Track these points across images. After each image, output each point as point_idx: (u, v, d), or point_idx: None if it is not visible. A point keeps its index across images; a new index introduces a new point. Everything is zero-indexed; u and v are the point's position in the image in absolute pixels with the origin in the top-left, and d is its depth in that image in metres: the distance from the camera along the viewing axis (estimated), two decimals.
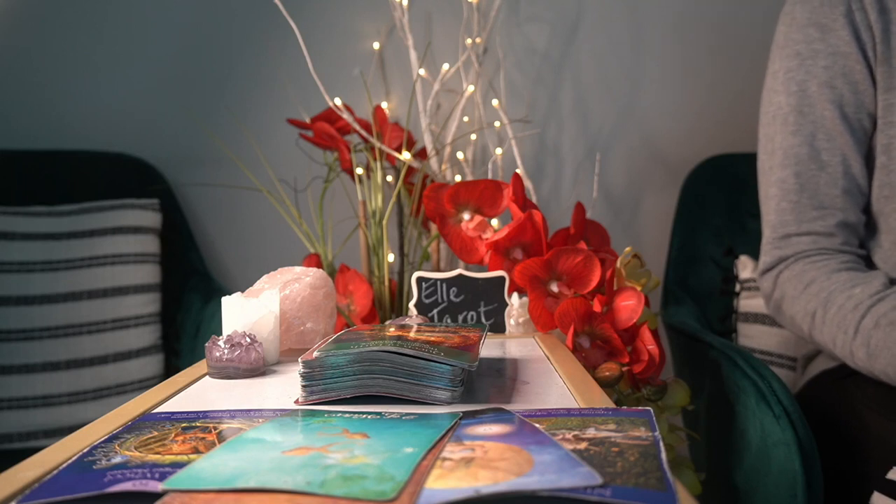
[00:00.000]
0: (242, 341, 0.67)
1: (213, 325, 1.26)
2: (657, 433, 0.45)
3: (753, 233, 1.37)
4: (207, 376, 0.68)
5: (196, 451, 0.43)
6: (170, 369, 1.36)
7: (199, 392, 0.63)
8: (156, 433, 0.47)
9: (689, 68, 1.50)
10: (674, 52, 1.50)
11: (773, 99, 0.96)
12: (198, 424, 0.49)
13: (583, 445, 0.42)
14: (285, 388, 0.63)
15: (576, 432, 0.45)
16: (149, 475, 0.39)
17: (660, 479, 0.37)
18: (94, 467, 0.40)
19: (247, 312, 0.71)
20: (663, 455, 0.41)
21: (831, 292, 0.87)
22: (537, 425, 0.47)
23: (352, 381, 0.56)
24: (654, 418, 0.48)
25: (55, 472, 0.41)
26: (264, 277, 0.83)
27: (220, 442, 0.45)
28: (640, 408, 0.51)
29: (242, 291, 0.78)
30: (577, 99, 1.51)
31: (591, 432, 0.45)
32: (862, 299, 0.83)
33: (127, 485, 0.37)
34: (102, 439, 0.46)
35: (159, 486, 0.37)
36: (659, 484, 0.36)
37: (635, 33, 1.50)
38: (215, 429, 0.48)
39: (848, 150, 0.92)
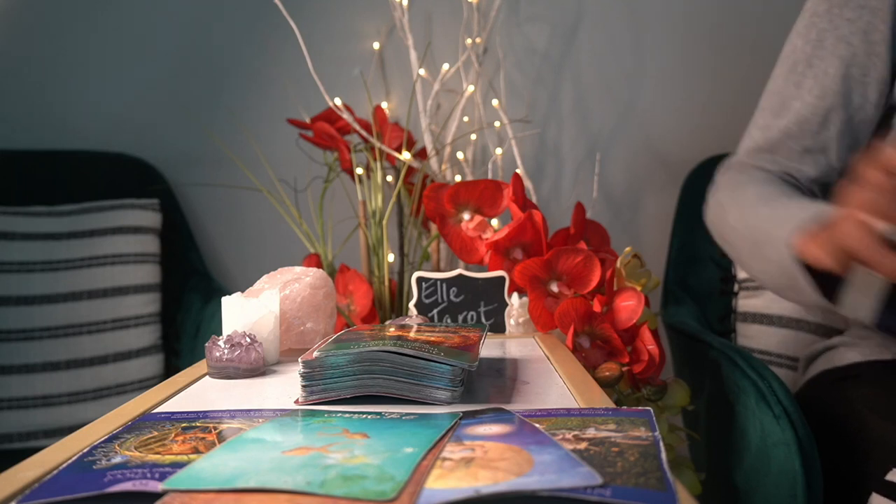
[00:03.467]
0: (242, 341, 0.67)
1: (213, 325, 1.26)
2: (657, 433, 0.45)
3: None
4: (207, 376, 0.68)
5: (196, 451, 0.43)
6: (170, 369, 1.36)
7: (199, 392, 0.63)
8: (156, 433, 0.47)
9: (690, 68, 1.50)
10: (674, 52, 1.50)
11: (793, 38, 0.94)
12: (198, 424, 0.49)
13: (583, 445, 0.42)
14: (285, 388, 0.63)
15: (576, 432, 0.45)
16: (149, 475, 0.39)
17: (660, 479, 0.37)
18: (94, 467, 0.40)
19: (247, 312, 0.71)
20: (663, 455, 0.41)
21: (743, 182, 0.86)
22: (537, 425, 0.47)
23: (352, 381, 0.56)
24: (654, 418, 0.48)
25: (55, 472, 0.41)
26: (264, 277, 0.83)
27: (220, 442, 0.45)
28: (640, 408, 0.51)
29: (242, 291, 0.78)
30: (577, 99, 1.51)
31: (591, 432, 0.45)
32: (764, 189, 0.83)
33: (127, 485, 0.37)
34: (102, 439, 0.46)
35: (159, 486, 0.37)
36: (659, 484, 0.36)
37: (635, 33, 1.50)
38: (215, 429, 0.48)
39: (833, 114, 0.87)
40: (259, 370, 0.68)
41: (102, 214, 1.35)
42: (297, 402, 0.57)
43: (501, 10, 1.46)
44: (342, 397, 0.56)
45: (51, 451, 0.45)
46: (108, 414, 0.54)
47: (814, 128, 0.88)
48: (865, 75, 0.86)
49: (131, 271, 1.32)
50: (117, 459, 0.41)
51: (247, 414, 0.52)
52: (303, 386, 0.57)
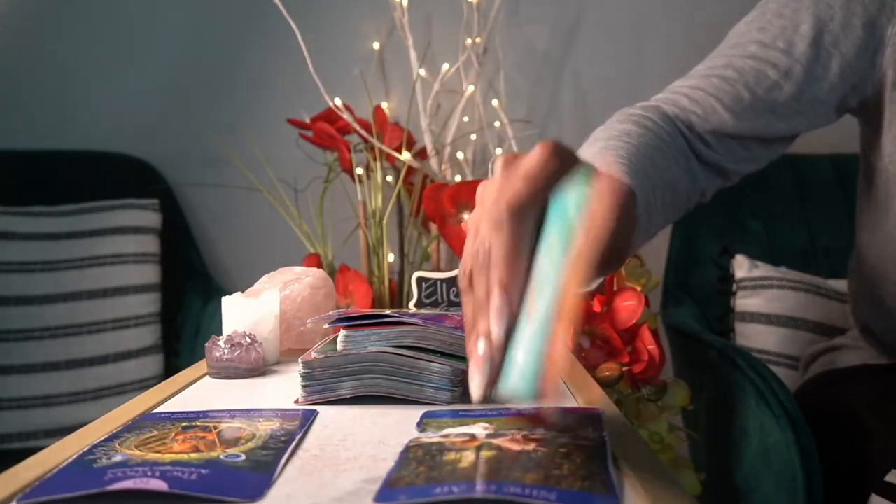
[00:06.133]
0: (242, 341, 0.67)
1: (213, 325, 1.26)
2: (605, 434, 0.44)
3: (753, 233, 1.37)
4: (207, 376, 0.68)
5: (196, 449, 0.43)
6: (170, 369, 1.36)
7: (199, 392, 0.63)
8: (156, 432, 0.47)
9: (689, 68, 1.50)
10: (674, 52, 1.50)
11: None
12: (198, 424, 0.49)
13: (531, 446, 0.42)
14: (285, 388, 0.63)
15: (525, 433, 0.45)
16: (149, 473, 0.39)
17: (604, 482, 0.37)
18: (95, 465, 0.40)
19: (247, 312, 0.71)
20: (609, 456, 0.40)
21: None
22: (486, 424, 0.47)
23: (352, 381, 0.56)
24: (603, 419, 0.48)
25: (56, 470, 0.41)
26: (264, 277, 0.83)
27: (220, 441, 0.45)
28: (591, 407, 0.50)
29: (242, 291, 0.78)
30: (577, 99, 1.51)
31: (539, 433, 0.45)
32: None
33: (127, 482, 0.37)
34: (103, 438, 0.46)
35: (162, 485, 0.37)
36: (603, 487, 0.36)
37: (635, 33, 1.50)
38: (215, 428, 0.48)
39: (791, 75, 0.73)
40: (259, 370, 0.68)
41: (102, 214, 1.35)
42: (297, 401, 0.57)
43: (501, 10, 1.46)
44: (342, 397, 0.56)
45: (51, 451, 0.45)
46: (108, 414, 0.54)
47: (764, 80, 0.73)
48: (835, 46, 0.73)
49: (131, 271, 1.32)
50: (118, 458, 0.41)
51: (247, 414, 0.52)
52: (303, 386, 0.57)
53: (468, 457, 0.40)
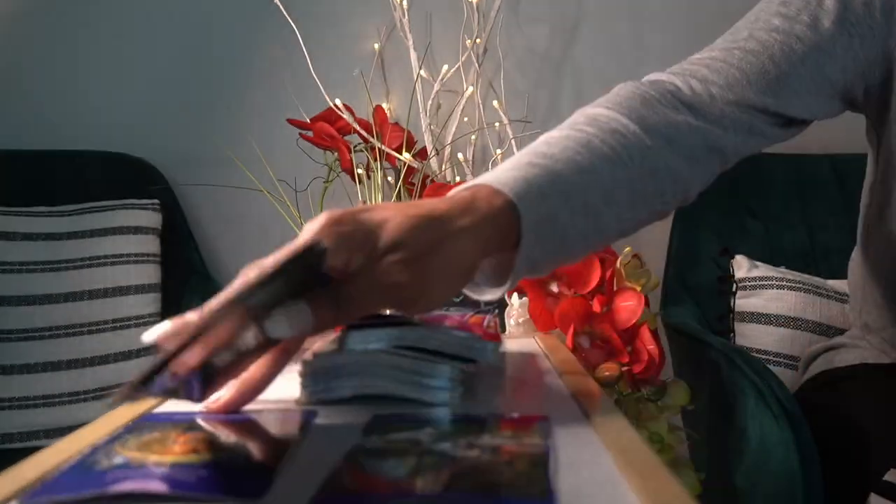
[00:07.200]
0: None
1: None
2: (549, 441, 0.44)
3: (753, 232, 1.37)
4: None
5: (196, 451, 0.43)
6: None
7: None
8: (157, 434, 0.47)
9: None
10: (674, 52, 1.49)
11: None
12: (198, 425, 0.49)
13: (475, 453, 0.42)
14: (284, 387, 0.63)
15: (469, 439, 0.45)
16: (150, 475, 0.39)
17: (543, 490, 0.37)
18: (96, 468, 0.40)
19: None
20: (551, 463, 0.41)
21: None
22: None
23: (352, 381, 0.56)
24: (549, 425, 0.48)
25: (56, 473, 0.41)
26: None
27: (220, 442, 0.45)
28: (537, 415, 0.50)
29: None
30: (577, 99, 1.51)
31: (485, 440, 0.44)
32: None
33: (128, 484, 0.37)
34: (103, 441, 0.46)
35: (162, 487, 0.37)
36: (541, 494, 0.36)
37: (635, 33, 1.50)
38: (215, 429, 0.48)
39: (801, 62, 0.69)
40: None
41: (102, 214, 1.35)
42: (296, 401, 0.57)
43: (501, 10, 1.46)
44: (342, 397, 0.56)
45: (51, 451, 0.45)
46: (108, 414, 0.54)
47: (791, 54, 0.69)
48: (855, 26, 0.70)
49: (131, 271, 1.32)
50: (118, 460, 0.41)
51: (247, 415, 0.52)
52: (302, 386, 0.57)
53: (409, 463, 0.40)
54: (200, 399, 0.45)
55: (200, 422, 0.50)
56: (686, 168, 0.67)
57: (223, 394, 0.51)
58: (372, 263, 0.47)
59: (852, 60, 0.71)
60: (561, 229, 0.56)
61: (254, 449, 0.45)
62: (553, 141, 0.62)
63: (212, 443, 0.45)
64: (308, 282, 0.48)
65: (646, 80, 0.72)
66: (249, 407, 0.56)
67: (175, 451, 0.43)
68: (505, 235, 0.53)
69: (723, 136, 0.69)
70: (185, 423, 0.49)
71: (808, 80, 0.71)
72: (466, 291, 0.59)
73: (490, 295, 0.59)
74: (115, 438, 0.46)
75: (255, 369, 0.52)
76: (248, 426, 0.49)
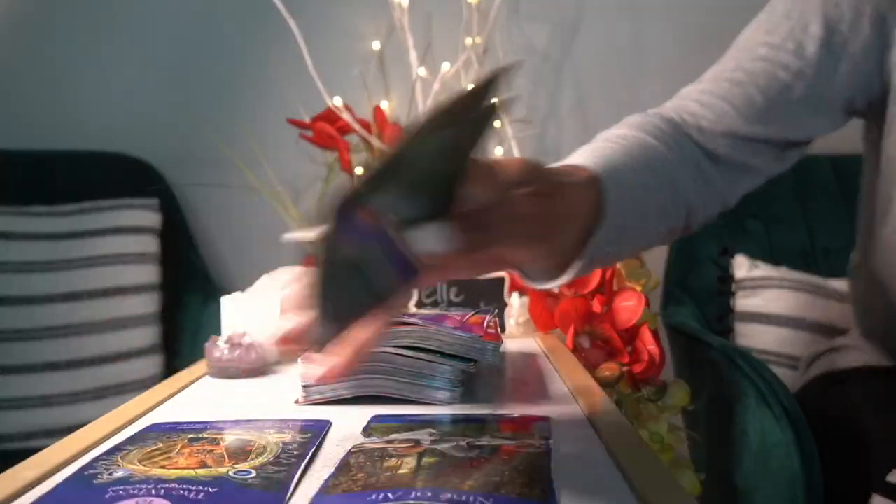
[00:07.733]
0: (242, 341, 0.67)
1: (213, 325, 1.26)
2: (551, 441, 0.44)
3: (753, 233, 1.37)
4: (207, 376, 0.68)
5: (203, 465, 0.41)
6: (170, 369, 1.36)
7: (200, 392, 0.63)
8: (161, 445, 0.45)
9: (690, 68, 1.49)
10: (674, 52, 1.50)
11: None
12: (205, 436, 0.47)
13: (474, 453, 0.42)
14: (285, 388, 0.63)
15: (470, 439, 0.45)
16: (153, 492, 0.37)
17: (544, 490, 0.37)
18: (95, 482, 0.39)
19: (247, 312, 0.71)
20: (552, 464, 0.40)
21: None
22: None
23: (352, 381, 0.56)
24: (550, 426, 0.48)
25: (54, 486, 0.39)
26: (264, 277, 0.83)
27: (228, 455, 0.43)
28: (537, 415, 0.50)
29: (242, 291, 0.78)
30: (577, 99, 1.51)
31: (485, 440, 0.44)
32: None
33: (130, 502, 0.36)
34: (104, 451, 0.44)
35: None
36: (542, 495, 0.36)
37: (635, 33, 1.50)
38: (223, 440, 0.46)
39: (787, 90, 0.71)
40: (259, 370, 0.68)
41: (102, 214, 1.35)
42: (297, 402, 0.57)
43: (501, 10, 1.46)
44: (342, 397, 0.56)
45: (51, 451, 0.45)
46: (108, 414, 0.54)
47: (775, 83, 0.72)
48: (844, 47, 0.72)
49: (131, 271, 1.32)
50: (119, 473, 0.40)
51: (257, 424, 0.50)
52: (303, 386, 0.57)
53: (409, 463, 0.40)
54: (326, 343, 0.41)
55: (207, 432, 0.48)
56: (692, 188, 0.68)
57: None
58: (503, 194, 0.45)
59: (846, 79, 0.73)
60: (633, 217, 0.58)
61: (266, 464, 0.42)
62: (598, 146, 0.64)
63: (221, 455, 0.43)
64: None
65: (650, 112, 0.75)
66: (251, 409, 0.56)
67: (180, 464, 0.41)
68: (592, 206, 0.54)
69: (712, 168, 0.71)
70: (192, 433, 0.47)
71: (798, 106, 0.72)
72: (524, 279, 0.57)
73: (550, 284, 0.57)
74: (116, 449, 0.44)
75: (360, 333, 0.47)
76: (258, 436, 0.47)
